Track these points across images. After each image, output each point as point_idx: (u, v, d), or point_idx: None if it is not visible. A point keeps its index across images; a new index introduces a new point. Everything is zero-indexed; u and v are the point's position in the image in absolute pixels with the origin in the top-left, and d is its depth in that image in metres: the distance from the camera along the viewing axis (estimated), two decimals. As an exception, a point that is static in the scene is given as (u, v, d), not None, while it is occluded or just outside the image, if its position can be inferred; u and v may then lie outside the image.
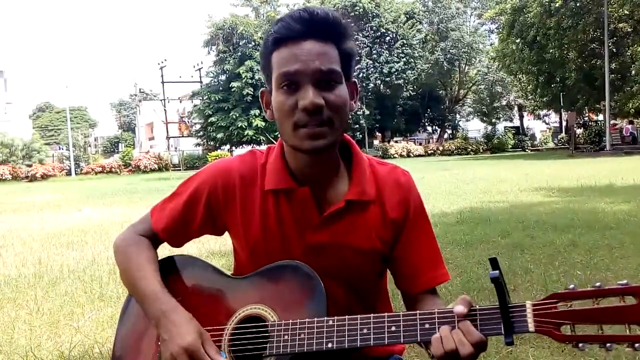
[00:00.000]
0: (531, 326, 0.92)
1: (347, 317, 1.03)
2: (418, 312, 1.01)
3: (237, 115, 33.75)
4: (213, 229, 1.26)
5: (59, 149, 45.33)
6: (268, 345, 1.07)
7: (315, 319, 1.05)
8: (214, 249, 5.46)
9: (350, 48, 1.13)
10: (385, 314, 1.02)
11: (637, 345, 0.86)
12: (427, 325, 0.99)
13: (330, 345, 1.02)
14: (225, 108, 34.22)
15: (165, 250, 1.30)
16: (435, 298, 1.22)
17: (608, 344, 0.87)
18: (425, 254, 1.22)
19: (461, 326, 0.97)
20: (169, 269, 1.25)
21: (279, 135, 1.17)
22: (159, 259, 1.27)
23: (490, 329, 0.96)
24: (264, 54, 1.13)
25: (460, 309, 0.97)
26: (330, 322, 1.03)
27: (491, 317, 0.96)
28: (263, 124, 33.12)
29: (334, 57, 1.09)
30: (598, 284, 0.90)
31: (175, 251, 1.32)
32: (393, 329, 1.00)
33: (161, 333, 1.12)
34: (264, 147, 1.28)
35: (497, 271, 0.94)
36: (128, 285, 1.24)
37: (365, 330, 1.01)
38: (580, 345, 0.89)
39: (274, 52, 1.10)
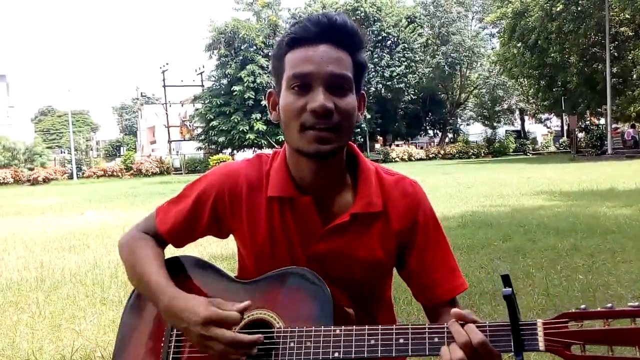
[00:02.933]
0: (541, 345, 0.92)
1: (354, 327, 1.03)
2: (427, 325, 1.00)
3: (239, 119, 33.78)
4: (218, 233, 1.26)
5: (61, 153, 45.43)
6: (273, 352, 1.06)
7: (322, 327, 1.04)
8: (215, 253, 5.46)
9: (364, 60, 1.13)
10: (394, 325, 1.02)
11: None
12: (436, 339, 0.98)
13: (337, 354, 1.01)
14: (227, 112, 34.25)
15: (168, 251, 1.31)
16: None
17: None
18: (441, 266, 1.21)
19: (466, 328, 0.96)
20: (174, 270, 1.25)
21: (282, 140, 1.17)
22: (166, 258, 1.27)
23: (500, 345, 0.95)
24: (277, 55, 1.13)
25: (456, 310, 0.98)
26: (338, 332, 1.03)
27: (501, 334, 0.96)
28: (264, 127, 33.13)
29: (348, 64, 1.09)
30: (609, 304, 0.90)
31: (180, 252, 1.32)
32: (401, 341, 0.99)
33: (177, 324, 1.11)
34: (268, 151, 1.27)
35: (510, 288, 0.94)
36: (134, 279, 1.23)
37: (372, 342, 1.00)
38: None
39: (288, 53, 1.10)
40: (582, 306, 0.92)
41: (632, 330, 0.87)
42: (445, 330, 0.98)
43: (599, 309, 0.91)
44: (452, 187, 12.24)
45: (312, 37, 1.08)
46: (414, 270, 1.21)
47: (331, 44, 1.08)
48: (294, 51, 1.09)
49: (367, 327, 1.02)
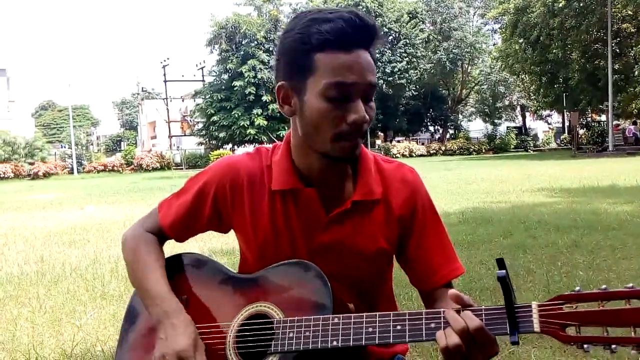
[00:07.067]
0: (537, 326, 0.92)
1: (352, 315, 1.04)
2: (424, 311, 1.01)
3: (240, 114, 33.77)
4: (219, 227, 1.26)
5: (62, 148, 45.44)
6: (273, 342, 1.07)
7: (321, 316, 1.05)
8: (216, 248, 5.47)
9: (375, 53, 1.12)
10: (391, 312, 1.02)
11: None
12: (432, 325, 0.99)
13: (335, 343, 1.02)
14: (228, 107, 34.24)
15: (170, 248, 1.30)
16: None
17: (613, 346, 0.88)
18: (438, 250, 1.22)
19: (463, 314, 0.97)
20: (175, 267, 1.26)
21: (282, 135, 1.16)
22: (167, 256, 1.28)
23: (495, 328, 0.96)
24: (300, 49, 1.06)
25: (453, 291, 0.99)
26: (336, 320, 1.03)
27: (497, 317, 0.96)
28: (265, 123, 33.12)
29: (374, 67, 1.09)
30: (604, 286, 0.90)
31: (182, 248, 1.31)
32: (398, 327, 1.00)
33: (159, 332, 1.14)
34: (268, 147, 1.27)
35: (504, 271, 0.94)
36: (135, 283, 1.24)
37: (370, 329, 1.01)
38: (585, 346, 0.89)
39: (318, 53, 1.04)
40: (577, 288, 0.92)
41: (626, 311, 0.87)
42: (441, 315, 0.99)
43: (593, 290, 0.91)
44: (453, 184, 12.23)
45: (348, 41, 1.04)
46: (412, 256, 1.22)
47: (364, 49, 1.06)
48: (328, 54, 1.03)
49: (364, 314, 1.03)
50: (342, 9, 1.08)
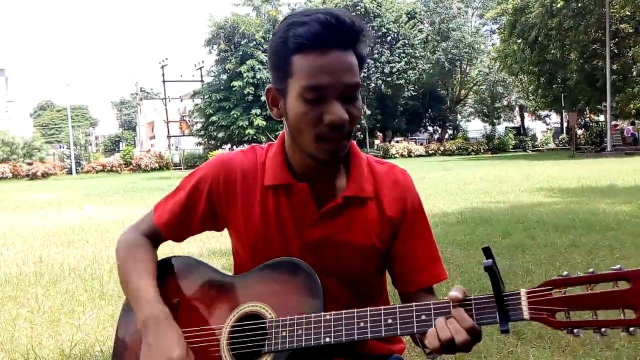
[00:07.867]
0: (526, 314, 0.93)
1: (344, 311, 1.04)
2: (414, 304, 1.01)
3: (238, 114, 33.78)
4: (213, 224, 1.25)
5: (60, 148, 45.41)
6: (266, 342, 1.07)
7: (313, 314, 1.05)
8: (214, 248, 5.45)
9: (363, 52, 1.11)
10: (382, 307, 1.03)
11: (631, 329, 0.86)
12: (423, 317, 0.99)
13: (327, 339, 1.02)
14: (226, 107, 34.25)
15: (165, 249, 1.30)
16: (432, 298, 1.22)
17: (603, 329, 0.88)
18: (423, 253, 1.22)
19: (455, 314, 0.97)
20: (167, 270, 1.25)
21: (278, 134, 1.16)
22: (159, 259, 1.27)
23: (485, 317, 0.96)
24: (280, 53, 1.07)
25: (454, 294, 0.98)
26: (328, 317, 1.04)
27: (486, 306, 0.96)
28: (264, 123, 33.13)
29: (356, 67, 1.08)
30: (591, 269, 0.91)
31: (175, 251, 1.31)
32: (390, 321, 1.01)
33: (146, 337, 1.10)
34: (265, 145, 1.28)
35: (491, 260, 0.94)
36: (124, 288, 1.23)
37: (362, 324, 1.02)
38: (575, 330, 0.90)
39: (295, 56, 1.05)
40: (565, 272, 0.93)
41: (614, 293, 0.87)
42: (431, 307, 0.99)
43: (581, 274, 0.91)
44: (452, 184, 12.24)
45: (322, 43, 1.04)
46: (396, 255, 1.22)
47: (341, 49, 1.05)
48: (305, 56, 1.04)
49: (356, 310, 1.03)
50: (322, 9, 1.07)
